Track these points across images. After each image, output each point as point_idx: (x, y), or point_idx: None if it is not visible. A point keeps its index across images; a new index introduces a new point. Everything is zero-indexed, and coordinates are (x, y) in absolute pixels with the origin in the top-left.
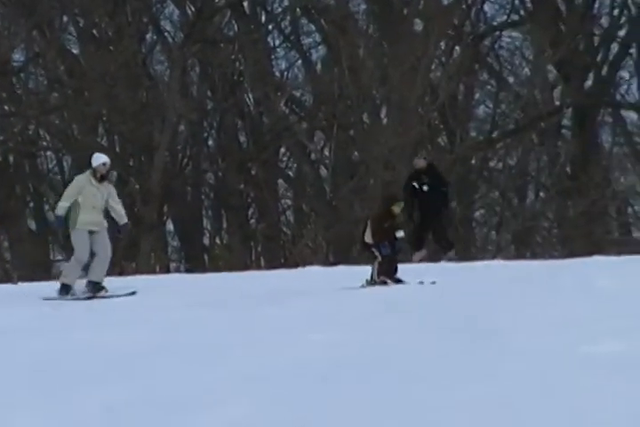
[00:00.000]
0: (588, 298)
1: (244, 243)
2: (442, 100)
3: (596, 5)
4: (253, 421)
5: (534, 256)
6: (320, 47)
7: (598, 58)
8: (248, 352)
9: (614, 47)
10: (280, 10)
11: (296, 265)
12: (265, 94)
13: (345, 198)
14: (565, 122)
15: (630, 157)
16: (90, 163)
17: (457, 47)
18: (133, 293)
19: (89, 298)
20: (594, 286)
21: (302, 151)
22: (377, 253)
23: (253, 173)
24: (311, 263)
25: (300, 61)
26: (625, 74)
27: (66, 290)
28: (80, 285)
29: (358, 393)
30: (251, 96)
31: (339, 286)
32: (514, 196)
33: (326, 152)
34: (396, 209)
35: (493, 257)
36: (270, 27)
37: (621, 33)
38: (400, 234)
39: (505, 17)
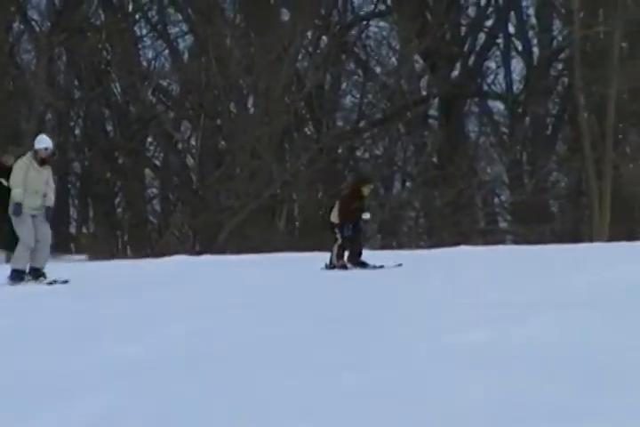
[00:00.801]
0: (453, 288)
1: (111, 232)
2: (308, 90)
3: None
4: (114, 411)
5: (401, 246)
6: (187, 37)
7: (465, 48)
8: (108, 341)
9: (481, 37)
10: None
11: (162, 254)
12: (132, 83)
13: (211, 187)
14: (432, 112)
15: (496, 147)
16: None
17: (324, 37)
18: (66, 281)
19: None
20: (459, 276)
21: (169, 140)
22: (338, 236)
23: (120, 161)
24: (177, 252)
25: (166, 51)
26: (492, 64)
27: (19, 276)
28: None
29: (221, 382)
30: (118, 85)
31: (204, 274)
32: (380, 185)
33: (193, 141)
34: (366, 191)
35: None
36: (137, 16)
37: (488, 23)
38: (366, 216)
39: (372, 7)
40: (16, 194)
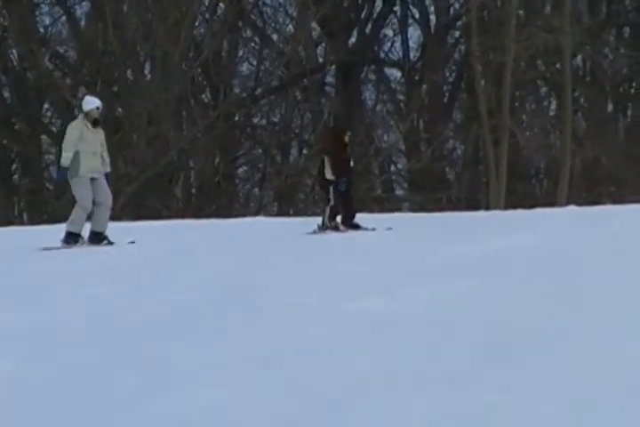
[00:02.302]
0: (351, 255)
1: (8, 198)
2: (206, 57)
3: None
4: (11, 376)
5: (297, 213)
6: (84, 3)
7: (362, 15)
8: (8, 309)
9: (378, 5)
10: None
11: (58, 221)
12: (29, 50)
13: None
14: (329, 79)
15: (393, 115)
16: (81, 107)
17: (221, 4)
18: (132, 242)
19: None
20: (357, 244)
21: (66, 107)
22: (331, 196)
23: (17, 128)
24: None
25: (64, 17)
26: (389, 32)
27: (74, 239)
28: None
29: (127, 349)
30: (15, 52)
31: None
32: (277, 152)
33: None
34: (347, 139)
35: (256, 214)
36: None
37: None
38: (352, 163)
39: None
40: (64, 158)
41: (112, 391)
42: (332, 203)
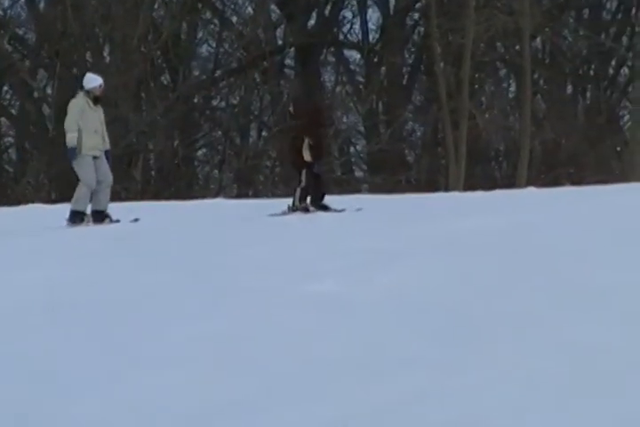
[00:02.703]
0: (310, 236)
1: None
2: (165, 39)
3: None
4: None
5: (257, 195)
6: None
7: None
8: None
9: None
10: None
11: (18, 203)
12: None
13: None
14: (288, 61)
15: (352, 96)
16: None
17: None
18: (136, 219)
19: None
20: (316, 225)
21: (25, 89)
22: (303, 178)
23: None
24: (33, 201)
25: None
26: (348, 13)
27: (79, 217)
28: None
29: (79, 332)
30: None
31: (60, 224)
32: (236, 135)
33: (49, 90)
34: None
35: (216, 195)
36: None
37: None
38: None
39: None
40: (70, 138)
41: (74, 374)
42: (303, 184)
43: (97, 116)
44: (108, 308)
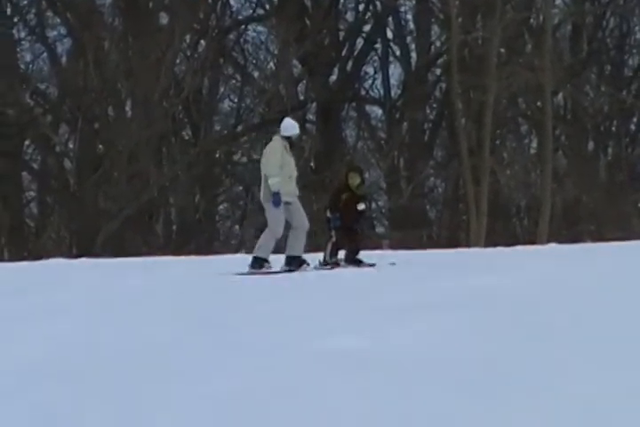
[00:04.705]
0: (323, 292)
1: None
2: (186, 94)
3: (342, 0)
4: None
5: (278, 250)
6: (65, 40)
7: (343, 53)
8: None
9: (359, 42)
10: (26, 2)
11: (40, 257)
12: (10, 86)
13: (89, 191)
14: (310, 116)
15: (374, 152)
16: (279, 129)
17: (202, 41)
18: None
19: (289, 271)
20: (337, 281)
21: (47, 144)
22: (332, 233)
23: None
24: (54, 255)
25: (45, 54)
26: (370, 69)
27: (259, 263)
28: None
29: (94, 386)
30: None
31: (81, 277)
32: (258, 190)
33: (71, 145)
34: (351, 179)
35: (236, 251)
36: (16, 19)
37: (366, 28)
38: (361, 206)
39: (250, 11)
40: (274, 184)
41: None
42: (333, 239)
43: (292, 161)
44: (120, 360)
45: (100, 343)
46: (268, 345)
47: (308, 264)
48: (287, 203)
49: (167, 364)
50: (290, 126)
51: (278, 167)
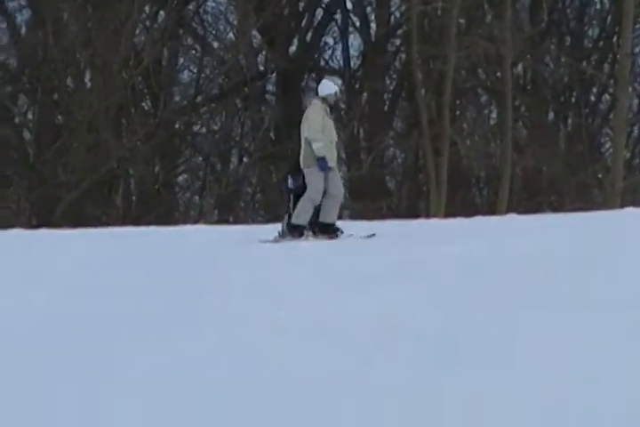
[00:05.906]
0: (288, 263)
1: None
2: (146, 65)
3: None
4: None
5: (237, 221)
6: (25, 10)
7: (303, 23)
8: None
9: (319, 13)
10: None
11: None
12: None
13: (48, 162)
14: (270, 87)
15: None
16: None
17: (161, 11)
18: (373, 235)
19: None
20: (295, 250)
21: (6, 114)
22: (289, 202)
23: None
24: (13, 226)
25: (4, 24)
26: (330, 40)
27: (299, 231)
28: None
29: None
30: None
31: (40, 248)
32: (217, 161)
33: (30, 115)
34: None
35: (196, 222)
36: None
37: None
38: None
39: None
40: (319, 148)
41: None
42: (291, 210)
43: (333, 125)
44: (83, 332)
45: (63, 313)
46: (230, 314)
47: (342, 232)
48: (329, 168)
49: (133, 332)
50: (327, 86)
51: (321, 132)
